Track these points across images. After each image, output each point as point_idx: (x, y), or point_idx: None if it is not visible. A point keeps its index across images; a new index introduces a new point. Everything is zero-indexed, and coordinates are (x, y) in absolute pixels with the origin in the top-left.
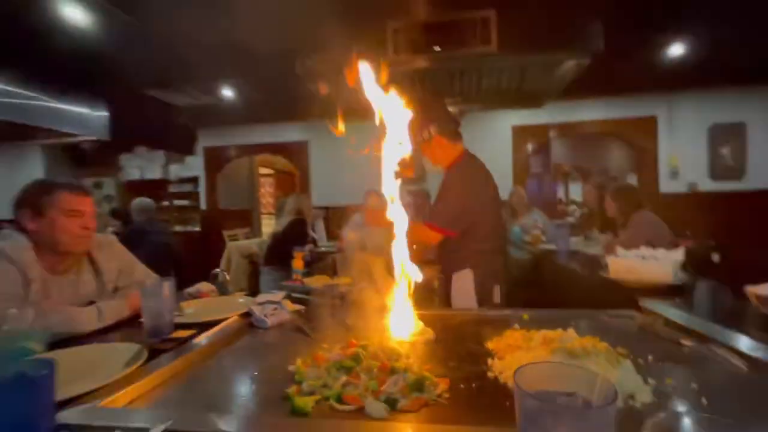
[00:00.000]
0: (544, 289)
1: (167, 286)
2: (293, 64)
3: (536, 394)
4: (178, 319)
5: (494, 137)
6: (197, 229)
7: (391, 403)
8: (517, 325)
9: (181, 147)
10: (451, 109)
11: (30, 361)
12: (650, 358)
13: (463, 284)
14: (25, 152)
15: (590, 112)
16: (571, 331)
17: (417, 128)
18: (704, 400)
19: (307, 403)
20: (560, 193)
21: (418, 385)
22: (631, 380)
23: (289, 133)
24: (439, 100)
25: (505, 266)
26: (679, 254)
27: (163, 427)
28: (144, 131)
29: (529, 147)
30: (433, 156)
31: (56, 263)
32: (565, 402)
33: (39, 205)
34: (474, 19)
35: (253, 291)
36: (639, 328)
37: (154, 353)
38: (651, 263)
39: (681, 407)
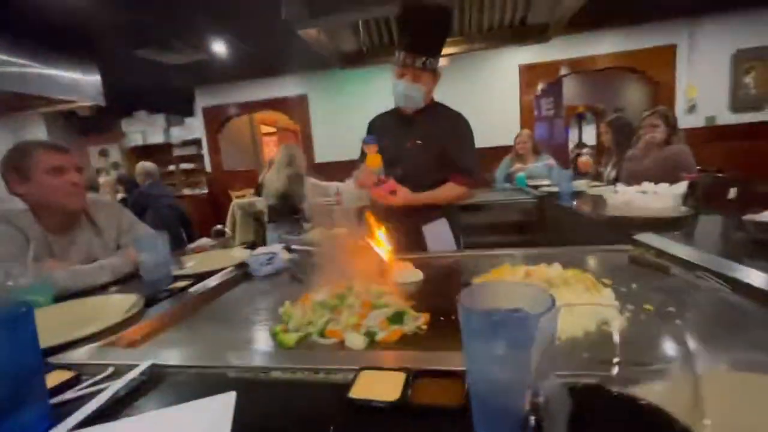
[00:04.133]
0: (546, 231)
1: (161, 239)
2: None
3: (474, 309)
4: (177, 272)
5: (500, 78)
6: (205, 191)
7: (371, 336)
8: (508, 265)
9: (180, 108)
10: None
11: (9, 306)
12: (634, 286)
13: (441, 234)
14: (27, 122)
15: (604, 44)
16: (555, 265)
17: (431, 53)
18: (678, 322)
19: (291, 338)
20: (573, 137)
21: (398, 318)
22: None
23: (287, 88)
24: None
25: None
26: (680, 188)
27: (148, 363)
28: (139, 94)
29: (539, 88)
30: (427, 90)
31: (54, 223)
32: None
33: (22, 168)
34: None
35: (259, 245)
36: (630, 260)
37: (152, 302)
38: (650, 197)
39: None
